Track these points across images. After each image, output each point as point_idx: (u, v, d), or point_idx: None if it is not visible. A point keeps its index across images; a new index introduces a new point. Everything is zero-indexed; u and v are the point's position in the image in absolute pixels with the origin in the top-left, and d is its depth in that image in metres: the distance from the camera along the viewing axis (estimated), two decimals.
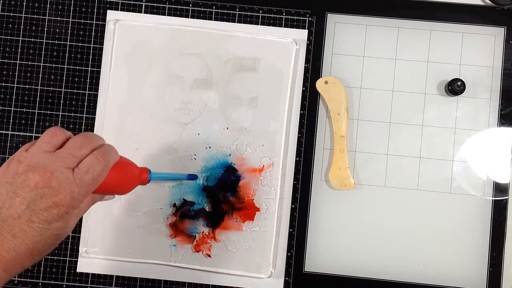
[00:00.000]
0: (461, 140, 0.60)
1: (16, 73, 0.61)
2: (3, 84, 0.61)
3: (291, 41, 0.60)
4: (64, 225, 0.40)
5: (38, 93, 0.60)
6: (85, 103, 0.60)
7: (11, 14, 0.61)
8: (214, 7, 0.61)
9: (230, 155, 0.59)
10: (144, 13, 0.61)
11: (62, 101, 0.60)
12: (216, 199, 0.59)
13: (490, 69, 0.60)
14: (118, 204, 0.59)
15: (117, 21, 0.60)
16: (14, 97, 0.60)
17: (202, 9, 0.61)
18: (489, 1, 0.61)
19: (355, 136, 0.60)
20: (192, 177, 0.59)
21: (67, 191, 0.40)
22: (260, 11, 0.61)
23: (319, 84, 0.60)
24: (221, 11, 0.61)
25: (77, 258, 0.59)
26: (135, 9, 0.61)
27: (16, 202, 0.39)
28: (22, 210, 0.39)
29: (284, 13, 0.61)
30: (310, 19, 0.61)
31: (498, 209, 0.59)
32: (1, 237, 0.38)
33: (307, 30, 0.61)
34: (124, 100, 0.60)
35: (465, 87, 0.58)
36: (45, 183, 0.39)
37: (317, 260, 0.59)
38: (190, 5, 0.61)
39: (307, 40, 0.60)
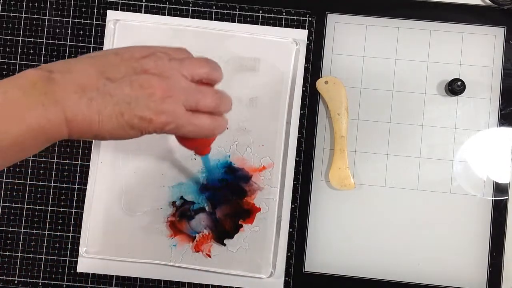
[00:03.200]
0: (461, 140, 0.60)
1: (16, 73, 0.60)
2: None
3: (291, 41, 0.60)
4: (135, 136, 0.39)
5: None
6: None
7: (11, 14, 0.61)
8: (214, 7, 0.61)
9: (230, 155, 0.59)
10: (144, 13, 0.61)
11: None
12: (216, 199, 0.59)
13: (490, 69, 0.60)
14: (118, 204, 0.59)
15: (117, 21, 0.60)
16: None
17: (202, 9, 0.61)
18: (489, 1, 0.61)
19: (355, 136, 0.60)
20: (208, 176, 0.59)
21: (167, 119, 0.39)
22: (260, 11, 0.61)
23: (319, 84, 0.60)
24: (221, 11, 0.61)
25: (77, 258, 0.59)
26: (135, 9, 0.61)
27: (125, 90, 0.38)
28: (124, 101, 0.38)
29: (284, 13, 0.61)
30: (310, 19, 0.61)
31: (498, 209, 0.59)
32: (90, 105, 0.37)
33: (307, 30, 0.61)
34: None
35: (465, 87, 0.58)
36: (159, 99, 0.38)
37: (317, 260, 0.59)
38: (190, 5, 0.61)
39: (307, 40, 0.60)
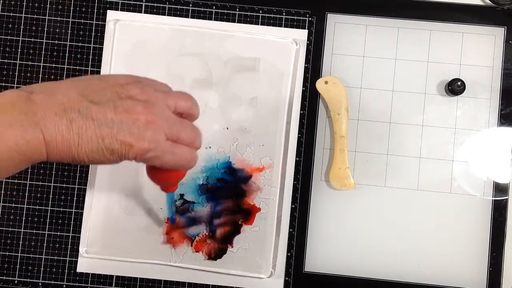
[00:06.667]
0: (461, 140, 0.60)
1: (16, 73, 0.61)
2: (3, 84, 0.61)
3: (291, 41, 0.60)
4: (114, 162, 0.39)
5: None
6: None
7: (11, 14, 0.61)
8: (214, 7, 0.61)
9: (230, 155, 0.59)
10: (144, 13, 0.61)
11: None
12: (216, 199, 0.59)
13: (490, 69, 0.60)
14: (118, 204, 0.59)
15: (117, 21, 0.60)
16: None
17: (202, 9, 0.61)
18: (489, 1, 0.61)
19: (355, 136, 0.60)
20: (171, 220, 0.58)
21: (149, 146, 0.38)
22: (260, 11, 0.61)
23: (319, 84, 0.60)
24: (221, 11, 0.61)
25: (77, 258, 0.59)
26: (135, 9, 0.61)
27: (108, 114, 0.37)
28: (106, 125, 0.37)
29: (284, 13, 0.61)
30: (310, 19, 0.61)
31: (498, 209, 0.59)
32: (70, 127, 0.37)
33: (307, 30, 0.61)
34: None
35: (465, 87, 0.58)
36: (142, 125, 0.38)
37: (317, 260, 0.59)
38: (190, 5, 0.61)
39: (307, 40, 0.60)
